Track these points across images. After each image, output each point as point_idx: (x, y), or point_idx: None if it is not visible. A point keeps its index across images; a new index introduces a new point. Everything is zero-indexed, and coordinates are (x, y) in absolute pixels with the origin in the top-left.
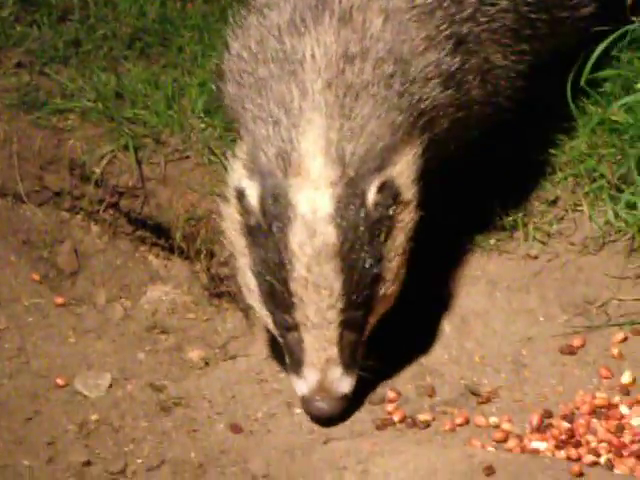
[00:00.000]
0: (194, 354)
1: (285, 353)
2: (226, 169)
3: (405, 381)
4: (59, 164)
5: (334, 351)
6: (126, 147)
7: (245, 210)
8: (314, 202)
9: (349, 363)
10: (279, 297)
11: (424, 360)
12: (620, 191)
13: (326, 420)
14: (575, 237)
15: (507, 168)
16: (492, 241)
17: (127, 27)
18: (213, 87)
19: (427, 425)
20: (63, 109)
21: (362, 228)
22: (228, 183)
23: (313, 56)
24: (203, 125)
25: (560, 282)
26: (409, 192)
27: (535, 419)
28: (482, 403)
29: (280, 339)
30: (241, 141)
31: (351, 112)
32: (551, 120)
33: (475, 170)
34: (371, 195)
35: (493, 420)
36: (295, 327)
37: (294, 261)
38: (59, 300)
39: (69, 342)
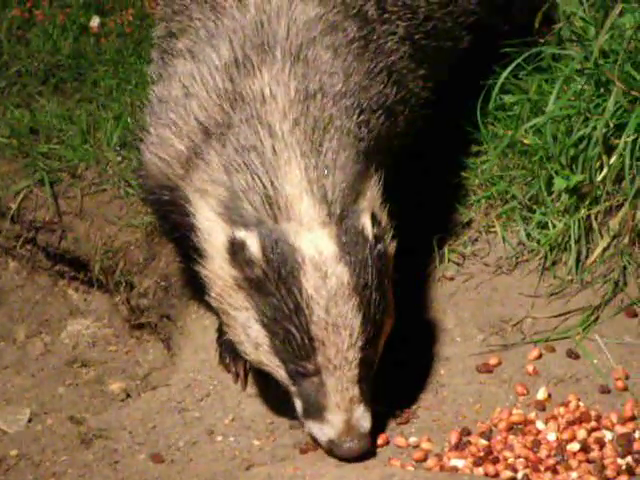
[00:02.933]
0: (115, 386)
1: (297, 401)
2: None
3: None
4: None
5: (356, 390)
6: (42, 182)
7: (245, 262)
8: (317, 244)
9: (367, 398)
10: (296, 344)
11: None
12: (531, 211)
13: (356, 458)
14: (489, 258)
15: (420, 192)
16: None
17: (41, 63)
18: (129, 122)
19: None
20: None
21: (370, 262)
22: (200, 230)
23: (274, 96)
24: (119, 158)
25: (475, 302)
26: (384, 218)
27: (454, 437)
28: (401, 424)
29: (292, 388)
30: (206, 195)
31: (321, 147)
32: (463, 144)
33: (389, 195)
34: (368, 228)
35: (413, 440)
36: (314, 372)
37: (312, 304)
38: None
39: None
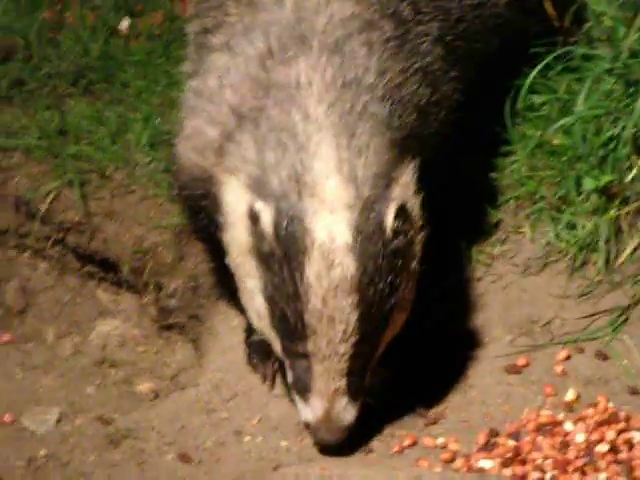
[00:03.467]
0: (143, 387)
1: (289, 374)
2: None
3: None
4: (4, 202)
5: (342, 382)
6: (71, 183)
7: (258, 234)
8: (331, 229)
9: (355, 393)
10: (291, 326)
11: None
12: (560, 212)
13: (330, 448)
14: (518, 258)
15: (450, 193)
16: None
17: (71, 65)
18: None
19: (370, 450)
20: (7, 147)
21: (381, 258)
22: (225, 203)
23: (310, 82)
24: (148, 159)
25: (504, 303)
26: (416, 208)
27: (481, 438)
28: (429, 424)
29: (286, 362)
30: (236, 172)
31: (355, 130)
32: (491, 145)
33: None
34: (389, 222)
35: (440, 441)
36: (305, 355)
37: (310, 293)
38: (5, 338)
39: (16, 378)
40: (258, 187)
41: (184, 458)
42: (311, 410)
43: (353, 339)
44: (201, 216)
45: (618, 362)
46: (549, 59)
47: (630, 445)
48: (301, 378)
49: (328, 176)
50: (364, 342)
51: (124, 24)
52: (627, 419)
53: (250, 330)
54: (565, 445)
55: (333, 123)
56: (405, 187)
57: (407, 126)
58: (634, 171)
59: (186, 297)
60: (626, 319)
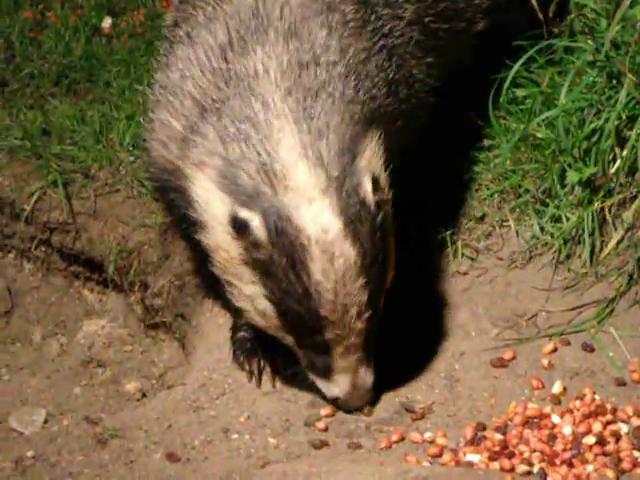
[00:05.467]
0: (130, 386)
1: (303, 360)
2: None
3: None
4: None
5: (361, 353)
6: (55, 183)
7: (251, 243)
8: (321, 221)
9: (370, 357)
10: (306, 323)
11: None
12: (545, 205)
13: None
14: (503, 252)
15: (433, 187)
16: (421, 258)
17: (53, 65)
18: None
19: (359, 446)
20: None
21: (373, 233)
22: (196, 200)
23: (266, 70)
24: (132, 158)
25: (489, 296)
26: (383, 176)
27: (469, 432)
28: (417, 419)
29: (299, 351)
30: (203, 166)
31: (313, 112)
32: (475, 138)
33: (402, 190)
34: (370, 196)
35: (428, 435)
36: (322, 344)
37: (320, 290)
38: None
39: (3, 379)
40: (229, 184)
41: (172, 457)
42: (337, 386)
43: (366, 315)
44: (174, 209)
45: (604, 354)
46: (532, 52)
47: (617, 437)
48: (320, 361)
49: (295, 163)
50: (374, 313)
51: (106, 23)
52: (614, 411)
53: (236, 327)
54: (552, 438)
55: (291, 108)
56: (371, 159)
57: (375, 100)
58: (617, 163)
59: (172, 296)
60: (612, 311)
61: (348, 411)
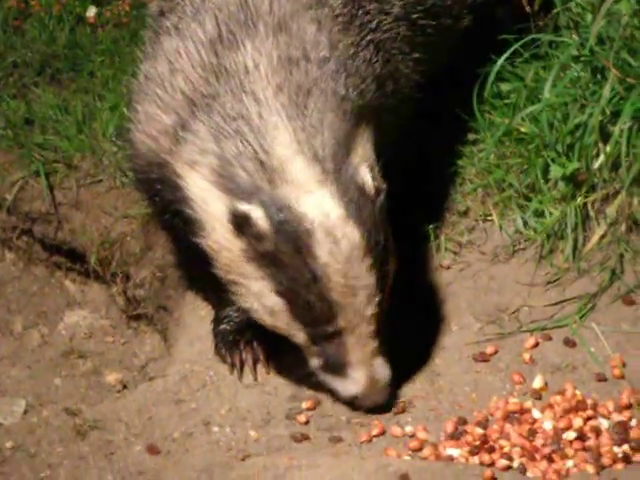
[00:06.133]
0: (111, 377)
1: (315, 360)
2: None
3: (322, 394)
4: None
5: (375, 344)
6: (37, 173)
7: (254, 236)
8: (322, 206)
9: (384, 349)
10: (317, 311)
11: None
12: (528, 200)
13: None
14: (486, 246)
15: (417, 181)
16: (405, 252)
17: (37, 54)
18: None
19: (339, 440)
20: None
21: (375, 218)
22: (192, 199)
23: (256, 66)
24: (115, 149)
25: (472, 291)
26: (376, 170)
27: (449, 426)
28: (398, 413)
29: (311, 348)
30: (196, 165)
31: (306, 109)
32: (459, 133)
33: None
34: (369, 182)
35: (409, 429)
36: (335, 334)
37: (328, 272)
38: None
39: None
40: (226, 183)
41: (152, 449)
42: (354, 381)
43: (375, 300)
44: (159, 199)
45: (586, 349)
46: (516, 46)
47: (597, 432)
48: (334, 357)
49: (292, 159)
50: (382, 300)
51: (91, 12)
52: (594, 406)
53: (218, 320)
54: (533, 433)
55: (283, 105)
56: (364, 154)
57: (365, 95)
58: (601, 158)
59: (154, 287)
60: (593, 306)
61: (368, 410)
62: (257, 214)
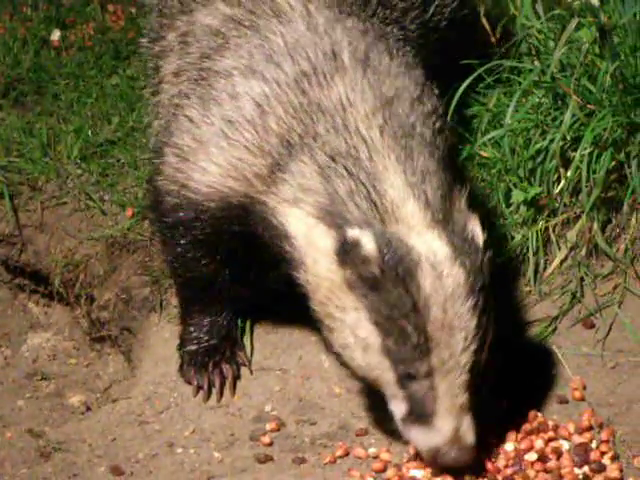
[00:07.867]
0: (75, 399)
1: (401, 406)
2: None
3: (286, 415)
4: None
5: (466, 397)
6: (1, 195)
7: (360, 260)
8: (430, 245)
9: (472, 410)
10: (411, 344)
11: (304, 394)
12: (490, 224)
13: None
14: None
15: None
16: None
17: (1, 76)
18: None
19: (303, 461)
20: None
21: (482, 267)
22: (292, 235)
23: (352, 104)
24: (79, 171)
25: None
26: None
27: (413, 448)
28: (361, 435)
29: (399, 392)
30: (299, 202)
31: (412, 153)
32: None
33: None
34: (479, 234)
35: (372, 450)
36: (426, 375)
37: (429, 303)
38: None
39: None
40: (335, 219)
41: (116, 471)
42: (438, 431)
43: (472, 347)
44: (203, 239)
45: (547, 372)
46: (479, 71)
47: (558, 454)
48: (420, 403)
49: (404, 202)
50: (479, 351)
51: (55, 36)
52: (555, 428)
53: (185, 340)
54: (495, 454)
55: (390, 147)
56: (465, 205)
57: (446, 140)
58: (562, 183)
59: (118, 309)
60: (555, 329)
61: (447, 467)
62: (367, 238)
